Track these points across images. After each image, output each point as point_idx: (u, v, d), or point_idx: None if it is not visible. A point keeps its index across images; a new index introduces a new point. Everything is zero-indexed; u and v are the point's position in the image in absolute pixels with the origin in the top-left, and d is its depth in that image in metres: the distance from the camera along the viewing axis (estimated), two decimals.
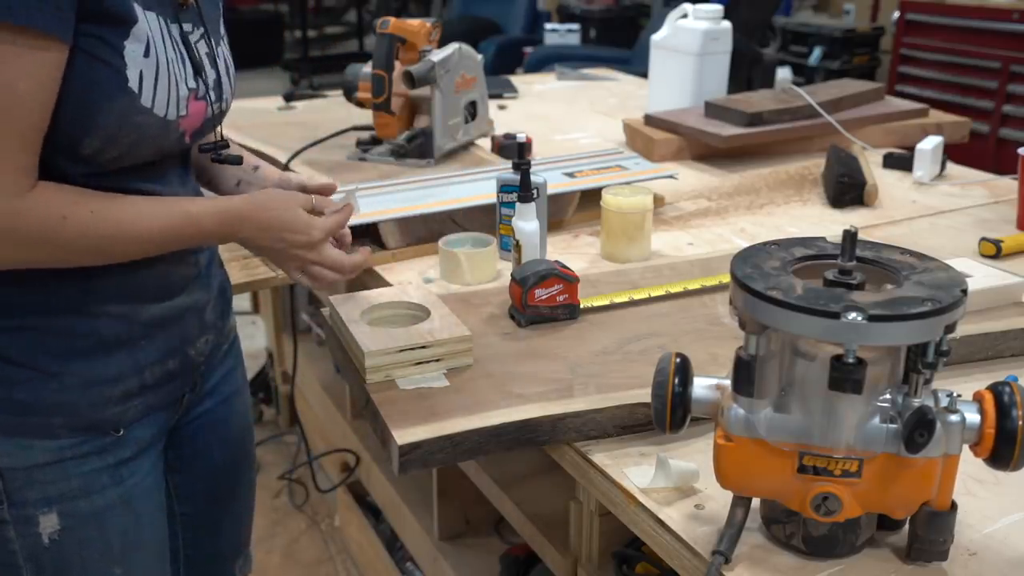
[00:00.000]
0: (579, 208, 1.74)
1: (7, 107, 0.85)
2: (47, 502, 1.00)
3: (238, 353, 1.29)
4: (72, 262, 0.95)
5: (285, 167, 1.90)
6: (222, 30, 1.10)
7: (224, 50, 1.10)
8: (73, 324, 0.99)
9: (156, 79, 0.94)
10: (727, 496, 0.88)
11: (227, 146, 1.14)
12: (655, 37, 2.47)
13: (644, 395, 1.06)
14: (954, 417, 0.80)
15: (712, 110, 2.20)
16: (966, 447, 0.82)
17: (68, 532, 1.02)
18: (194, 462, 1.21)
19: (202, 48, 1.03)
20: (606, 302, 1.32)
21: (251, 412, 1.35)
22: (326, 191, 1.20)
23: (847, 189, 1.85)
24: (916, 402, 0.79)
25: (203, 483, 1.24)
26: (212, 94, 1.05)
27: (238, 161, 1.16)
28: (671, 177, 1.87)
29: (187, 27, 1.01)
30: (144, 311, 1.04)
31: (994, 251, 1.57)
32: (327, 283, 1.12)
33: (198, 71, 1.02)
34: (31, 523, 1.00)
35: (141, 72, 0.93)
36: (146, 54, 0.93)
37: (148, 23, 0.94)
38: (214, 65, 1.05)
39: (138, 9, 0.92)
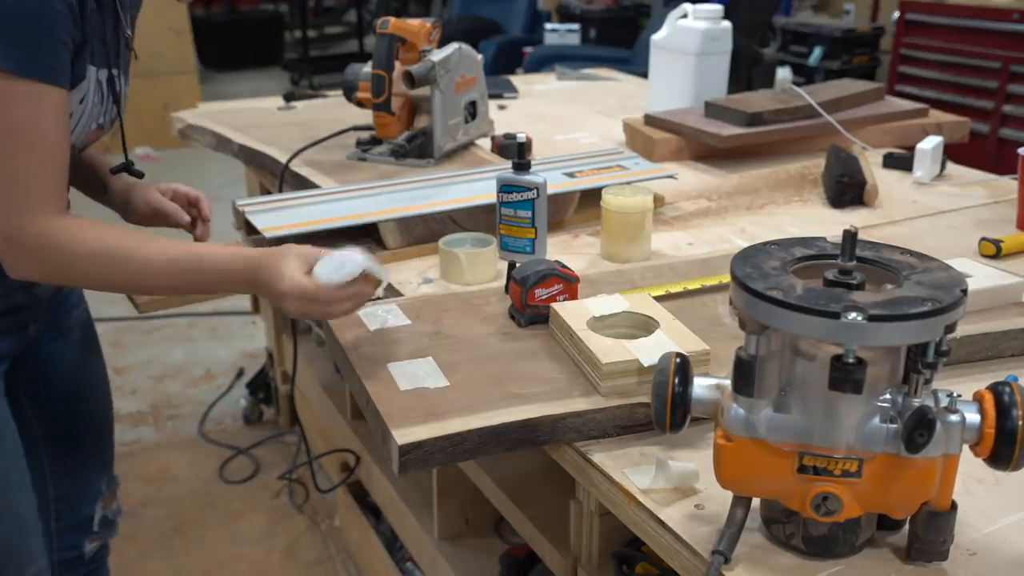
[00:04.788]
0: (579, 208, 1.74)
1: (37, 141, 1.05)
2: None
3: (81, 294, 1.48)
4: (94, 282, 1.13)
5: (285, 167, 1.90)
6: (129, 63, 1.29)
7: (127, 84, 1.28)
8: None
9: (79, 121, 1.16)
10: (727, 496, 0.88)
11: (132, 164, 1.35)
12: (655, 37, 2.47)
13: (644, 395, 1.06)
14: (954, 417, 0.80)
15: (712, 110, 2.20)
16: (966, 447, 0.82)
17: None
18: (45, 383, 1.40)
19: (117, 86, 1.22)
20: None
21: (97, 343, 1.52)
22: (177, 197, 1.43)
23: (847, 189, 1.85)
24: (916, 402, 0.79)
25: (56, 403, 1.43)
26: (107, 123, 1.24)
27: (140, 175, 1.37)
28: (671, 177, 1.87)
29: (114, 71, 1.19)
30: None
31: (994, 251, 1.57)
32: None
33: (116, 104, 1.22)
34: None
35: (71, 114, 1.13)
36: (81, 101, 1.14)
37: (90, 80, 1.14)
38: (118, 100, 1.23)
39: (91, 70, 1.14)
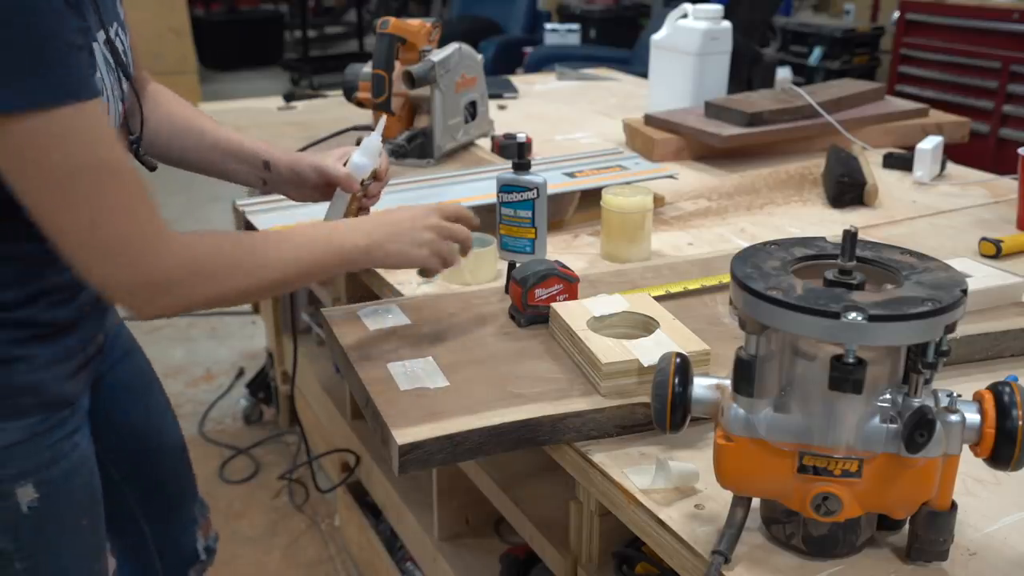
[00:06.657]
0: (579, 208, 1.73)
1: (110, 167, 0.90)
2: (23, 475, 1.07)
3: (116, 314, 1.35)
4: (228, 284, 1.02)
5: None
6: (122, 13, 1.11)
7: (128, 36, 1.13)
8: (35, 315, 1.06)
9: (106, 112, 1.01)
10: (727, 496, 0.88)
11: (140, 139, 1.19)
12: (655, 37, 2.47)
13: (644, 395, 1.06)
14: (954, 417, 0.80)
15: (712, 110, 2.20)
16: (966, 447, 0.82)
17: (44, 498, 1.10)
18: (113, 424, 1.29)
19: (119, 45, 1.07)
20: None
21: (151, 367, 1.41)
22: (345, 183, 1.29)
23: (847, 189, 1.85)
24: (916, 402, 0.79)
25: (128, 441, 1.33)
26: (125, 92, 1.10)
27: (152, 167, 1.21)
28: (671, 177, 1.87)
29: (109, 30, 1.04)
30: (83, 295, 1.11)
31: (994, 251, 1.57)
32: (463, 239, 1.20)
33: (125, 73, 1.07)
34: (9, 497, 1.07)
35: None
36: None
37: (98, 60, 0.98)
38: (126, 57, 1.09)
39: (95, 48, 0.96)
